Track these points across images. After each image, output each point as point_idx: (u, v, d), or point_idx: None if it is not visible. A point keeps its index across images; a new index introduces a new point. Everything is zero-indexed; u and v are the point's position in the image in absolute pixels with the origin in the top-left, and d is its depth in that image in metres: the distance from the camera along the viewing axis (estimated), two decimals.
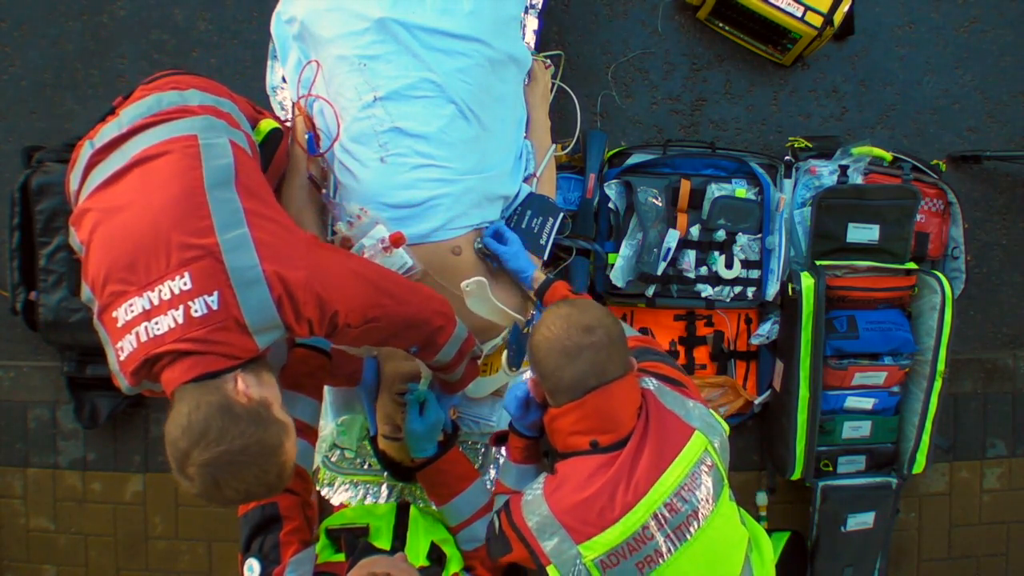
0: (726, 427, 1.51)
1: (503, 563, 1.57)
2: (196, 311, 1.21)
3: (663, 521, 1.34)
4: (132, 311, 1.23)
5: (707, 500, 1.38)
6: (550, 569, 1.37)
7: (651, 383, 1.49)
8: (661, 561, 1.35)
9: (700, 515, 1.37)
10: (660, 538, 1.34)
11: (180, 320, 1.21)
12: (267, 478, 1.22)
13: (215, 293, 1.22)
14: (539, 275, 1.86)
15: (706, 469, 1.40)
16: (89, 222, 1.31)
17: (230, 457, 1.18)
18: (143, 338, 1.22)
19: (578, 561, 1.35)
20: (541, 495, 1.41)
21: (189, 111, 1.42)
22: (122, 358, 1.24)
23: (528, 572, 1.57)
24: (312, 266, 1.31)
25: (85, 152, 1.41)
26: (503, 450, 2.07)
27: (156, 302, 1.22)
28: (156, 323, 1.21)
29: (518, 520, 1.42)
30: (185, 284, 1.22)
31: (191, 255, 1.23)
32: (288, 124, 1.91)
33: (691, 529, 1.36)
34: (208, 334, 1.21)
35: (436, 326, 1.57)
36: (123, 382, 1.28)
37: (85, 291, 1.32)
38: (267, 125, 1.71)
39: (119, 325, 1.24)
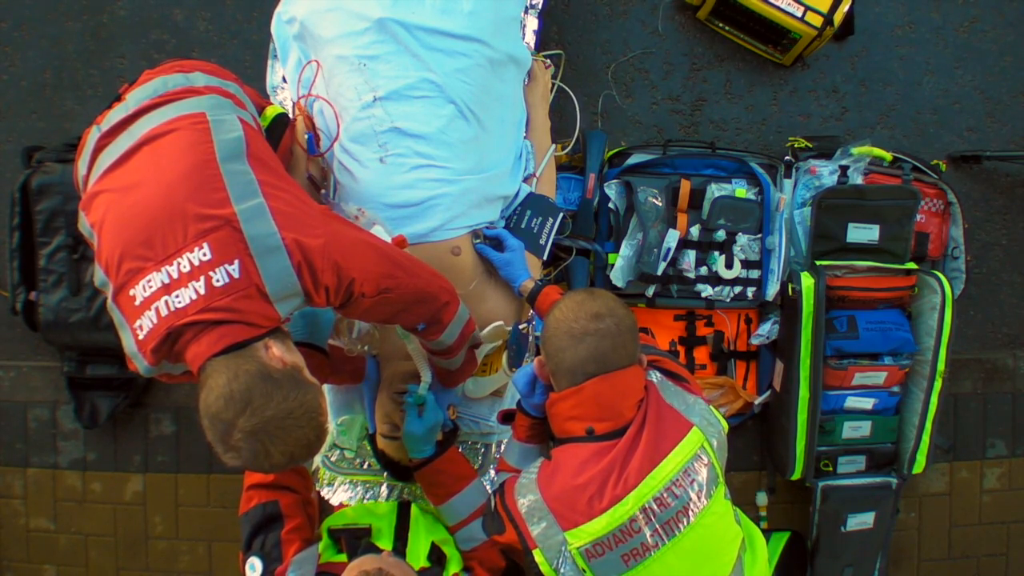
0: (725, 425, 1.52)
1: (499, 547, 1.58)
2: (218, 281, 1.20)
3: (651, 515, 1.35)
4: (150, 287, 1.21)
5: (699, 497, 1.39)
6: (536, 553, 1.39)
7: (655, 376, 1.50)
8: (648, 555, 1.35)
9: (691, 511, 1.38)
10: (647, 532, 1.35)
11: (202, 291, 1.20)
12: (309, 439, 1.23)
13: (236, 262, 1.22)
14: (527, 284, 1.87)
15: (701, 466, 1.41)
16: (100, 204, 1.31)
17: (278, 422, 1.18)
18: (164, 312, 1.20)
19: (564, 548, 1.36)
20: (534, 479, 1.43)
21: (195, 91, 1.43)
22: (141, 336, 1.23)
23: (524, 572, 1.57)
24: (329, 234, 1.31)
25: (92, 136, 1.41)
26: (502, 447, 2.07)
27: (175, 275, 1.21)
28: (177, 296, 1.20)
29: (510, 502, 1.44)
30: (205, 255, 1.21)
31: (209, 226, 1.22)
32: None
33: (680, 525, 1.37)
34: (232, 303, 1.21)
35: (443, 302, 1.58)
36: (141, 363, 1.26)
37: (99, 274, 1.30)
38: (273, 111, 1.70)
39: (137, 303, 1.23)
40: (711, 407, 1.52)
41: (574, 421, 1.43)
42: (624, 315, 1.44)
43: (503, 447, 1.91)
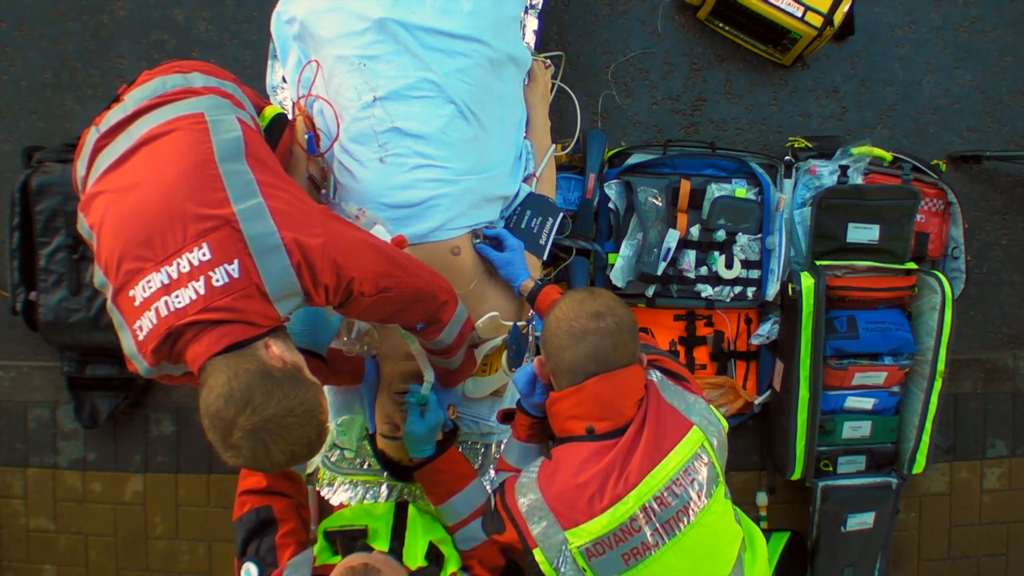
0: (725, 424, 1.52)
1: (498, 546, 1.58)
2: (217, 280, 1.20)
3: (652, 514, 1.35)
4: (150, 287, 1.21)
5: (699, 496, 1.39)
6: (536, 553, 1.39)
7: (655, 375, 1.51)
8: (648, 554, 1.35)
9: (691, 511, 1.38)
10: (648, 531, 1.35)
11: (202, 291, 1.20)
12: (310, 437, 1.24)
13: (235, 262, 1.22)
14: (527, 284, 1.87)
15: (701, 465, 1.41)
16: (99, 205, 1.31)
17: (278, 420, 1.19)
18: (163, 313, 1.20)
19: (564, 547, 1.36)
20: (535, 479, 1.43)
21: (194, 92, 1.43)
22: (141, 337, 1.23)
23: (524, 571, 1.57)
24: (328, 233, 1.32)
25: (91, 137, 1.41)
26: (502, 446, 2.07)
27: (175, 275, 1.21)
28: (177, 296, 1.20)
29: (510, 501, 1.44)
30: (204, 255, 1.21)
31: (208, 226, 1.22)
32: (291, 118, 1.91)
33: (681, 524, 1.37)
34: (233, 302, 1.21)
35: (441, 301, 1.59)
36: (141, 364, 1.26)
37: (98, 275, 1.30)
38: (272, 111, 1.70)
39: (137, 304, 1.23)
40: (711, 406, 1.52)
41: (574, 420, 1.43)
42: (624, 314, 1.44)
43: (503, 447, 1.91)
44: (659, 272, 2.33)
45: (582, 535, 1.35)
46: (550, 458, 1.46)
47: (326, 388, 2.03)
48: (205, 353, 1.20)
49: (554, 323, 1.45)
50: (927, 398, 2.39)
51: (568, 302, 1.46)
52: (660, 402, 1.44)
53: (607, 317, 1.41)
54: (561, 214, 2.07)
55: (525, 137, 2.08)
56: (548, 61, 2.25)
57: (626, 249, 2.36)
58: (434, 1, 1.79)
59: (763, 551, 1.55)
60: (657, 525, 1.35)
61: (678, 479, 1.38)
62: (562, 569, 1.37)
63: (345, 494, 2.11)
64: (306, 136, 1.81)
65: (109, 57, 2.60)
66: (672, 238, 2.33)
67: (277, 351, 1.24)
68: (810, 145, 2.50)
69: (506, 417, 1.77)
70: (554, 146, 2.17)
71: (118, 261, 1.25)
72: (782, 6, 2.34)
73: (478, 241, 1.92)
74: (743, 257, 2.41)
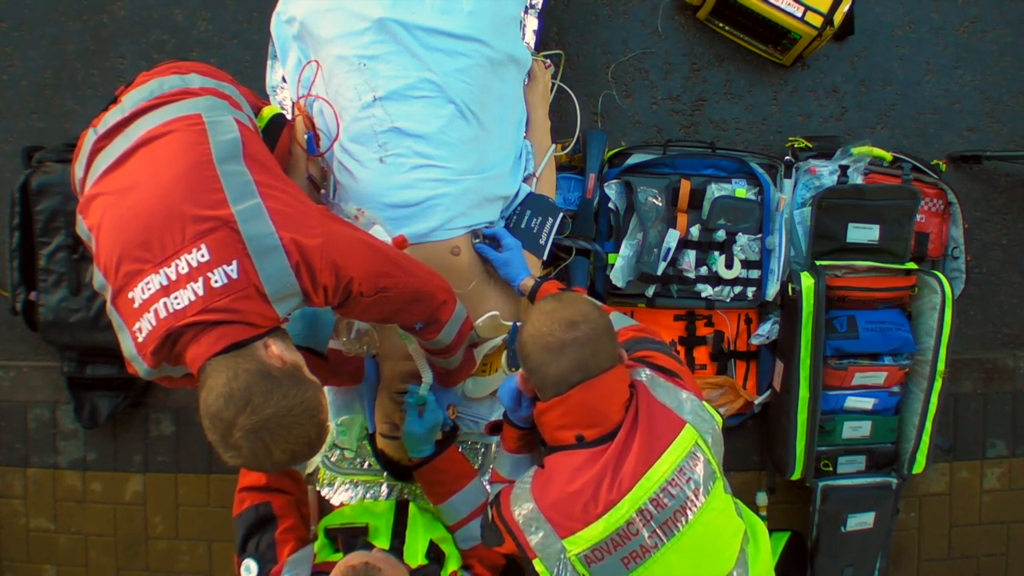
0: (719, 419, 1.50)
1: (499, 552, 1.58)
2: (216, 281, 1.21)
3: (649, 516, 1.35)
4: (149, 289, 1.22)
5: (696, 494, 1.38)
6: (536, 563, 1.38)
7: (643, 374, 1.48)
8: (648, 556, 1.35)
9: (689, 510, 1.37)
10: (645, 533, 1.35)
11: (201, 292, 1.20)
12: (310, 436, 1.24)
13: (234, 263, 1.22)
14: (527, 282, 1.86)
15: (696, 463, 1.40)
16: (98, 207, 1.31)
17: (278, 420, 1.19)
18: (163, 314, 1.21)
19: (563, 555, 1.36)
20: (528, 489, 1.42)
21: (191, 93, 1.43)
22: (140, 339, 1.23)
23: (524, 571, 1.57)
24: (327, 234, 1.32)
25: (89, 139, 1.42)
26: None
27: (174, 277, 1.21)
28: (176, 298, 1.21)
29: (506, 513, 1.43)
30: (203, 256, 1.22)
31: (207, 227, 1.23)
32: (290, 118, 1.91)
33: (679, 524, 1.36)
34: (231, 303, 1.21)
35: (440, 301, 1.59)
36: (141, 366, 1.27)
37: (97, 277, 1.31)
38: (270, 111, 1.70)
39: (136, 305, 1.23)
40: (704, 402, 1.50)
41: (563, 430, 1.42)
42: (597, 317, 1.41)
43: (495, 458, 1.90)
44: (659, 272, 2.33)
45: (580, 542, 1.35)
46: (543, 467, 1.45)
47: (326, 388, 2.04)
48: (204, 354, 1.20)
49: (529, 340, 1.40)
50: (927, 398, 2.39)
51: (538, 315, 1.41)
52: (651, 402, 1.43)
53: (581, 325, 1.38)
54: (561, 214, 2.07)
55: (525, 137, 2.08)
56: (548, 61, 2.25)
57: (626, 249, 2.36)
58: (434, 1, 1.79)
59: (766, 543, 1.55)
60: (655, 527, 1.35)
61: (673, 479, 1.37)
62: None
63: (345, 494, 2.11)
64: (306, 136, 1.81)
65: (109, 57, 2.60)
66: (672, 238, 2.33)
67: (276, 351, 1.24)
68: (810, 145, 2.50)
69: (494, 429, 1.77)
70: (554, 146, 2.18)
71: (117, 263, 1.25)
72: (782, 6, 2.34)
73: (477, 241, 1.92)
74: (743, 257, 2.41)
